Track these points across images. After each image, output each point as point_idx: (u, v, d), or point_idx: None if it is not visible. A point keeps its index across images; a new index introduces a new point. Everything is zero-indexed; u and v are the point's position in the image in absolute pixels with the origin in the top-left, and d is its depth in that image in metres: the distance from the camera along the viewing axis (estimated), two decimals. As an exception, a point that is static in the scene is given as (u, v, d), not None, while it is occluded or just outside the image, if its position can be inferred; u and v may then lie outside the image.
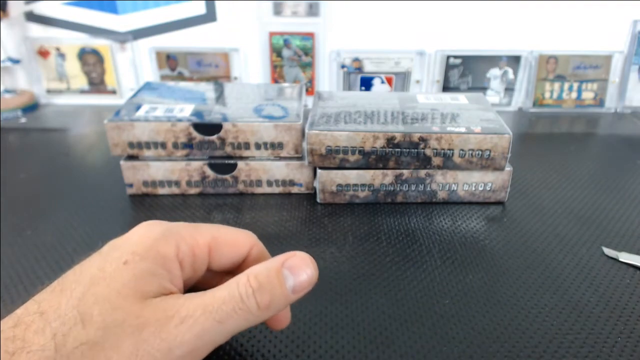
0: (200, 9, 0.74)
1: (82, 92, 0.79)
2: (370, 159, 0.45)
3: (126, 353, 0.20)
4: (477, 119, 0.47)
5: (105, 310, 0.21)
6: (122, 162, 0.48)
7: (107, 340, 0.20)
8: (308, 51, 0.75)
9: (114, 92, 0.79)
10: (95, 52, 0.77)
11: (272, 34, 0.74)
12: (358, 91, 0.76)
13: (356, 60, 0.75)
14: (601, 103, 0.78)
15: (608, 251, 0.40)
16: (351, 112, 0.48)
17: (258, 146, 0.47)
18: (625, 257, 0.39)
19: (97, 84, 0.78)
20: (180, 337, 0.21)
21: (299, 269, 0.24)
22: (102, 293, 0.21)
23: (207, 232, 0.26)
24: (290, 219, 0.45)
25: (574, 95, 0.78)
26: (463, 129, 0.45)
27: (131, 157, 0.48)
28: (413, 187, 0.47)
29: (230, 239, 0.27)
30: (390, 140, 0.44)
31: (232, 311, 0.22)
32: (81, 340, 0.20)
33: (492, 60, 0.76)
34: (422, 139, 0.44)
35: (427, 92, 0.65)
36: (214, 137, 0.46)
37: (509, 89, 0.77)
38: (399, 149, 0.44)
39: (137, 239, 0.24)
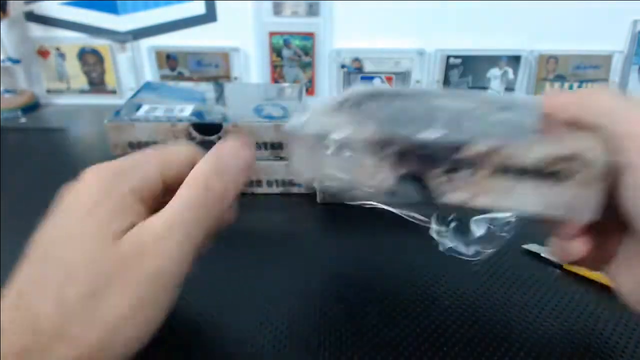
0: (200, 9, 0.74)
1: (82, 92, 0.79)
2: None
3: (125, 294, 0.21)
4: None
5: (88, 265, 0.22)
6: (122, 162, 0.48)
7: (100, 291, 0.21)
8: (308, 51, 0.75)
9: (114, 92, 0.79)
10: (95, 52, 0.77)
11: (272, 34, 0.74)
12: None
13: (356, 60, 0.75)
14: (601, 103, 0.78)
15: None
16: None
17: (258, 146, 0.47)
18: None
19: (97, 84, 0.78)
20: (161, 258, 0.22)
21: (234, 153, 0.27)
22: (79, 250, 0.22)
23: (154, 160, 0.26)
24: (290, 219, 0.45)
25: (574, 95, 0.78)
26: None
27: (131, 157, 0.48)
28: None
29: (176, 159, 0.27)
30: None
31: (195, 213, 0.24)
32: (79, 294, 0.21)
33: (492, 60, 0.76)
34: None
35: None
36: (214, 137, 0.46)
37: (509, 89, 0.77)
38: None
39: (89, 188, 0.24)
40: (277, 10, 0.73)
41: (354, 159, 0.26)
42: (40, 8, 0.74)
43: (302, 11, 0.73)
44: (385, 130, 0.25)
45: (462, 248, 0.26)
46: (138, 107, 0.49)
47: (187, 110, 0.48)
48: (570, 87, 0.77)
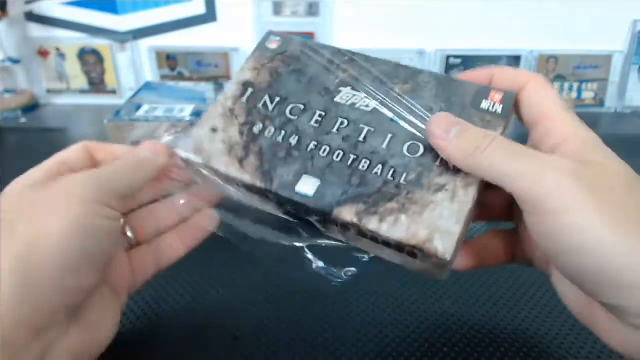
0: (200, 9, 0.75)
1: (82, 92, 0.79)
2: None
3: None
4: None
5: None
6: (122, 162, 0.48)
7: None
8: (308, 51, 0.75)
9: (114, 92, 0.79)
10: (95, 52, 0.77)
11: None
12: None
13: (356, 60, 0.75)
14: (601, 103, 0.78)
15: None
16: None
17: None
18: None
19: (97, 84, 0.79)
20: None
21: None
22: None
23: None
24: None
25: (574, 95, 0.78)
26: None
27: (131, 157, 0.48)
28: None
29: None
30: None
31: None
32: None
33: (492, 60, 0.76)
34: None
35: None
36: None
37: (509, 89, 0.77)
38: None
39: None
40: (277, 10, 0.73)
41: (241, 188, 0.27)
42: (40, 8, 0.74)
43: (302, 11, 0.73)
44: (261, 178, 0.26)
45: (332, 269, 0.27)
46: (138, 107, 0.49)
47: (187, 110, 0.48)
48: (570, 87, 0.77)
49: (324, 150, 0.27)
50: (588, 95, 0.78)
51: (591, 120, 0.74)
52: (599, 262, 0.19)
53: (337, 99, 0.28)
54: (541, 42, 0.75)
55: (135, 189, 0.26)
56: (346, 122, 0.27)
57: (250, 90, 0.29)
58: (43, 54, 0.76)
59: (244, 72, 0.30)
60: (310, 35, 0.74)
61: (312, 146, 0.27)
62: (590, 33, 0.74)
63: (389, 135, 0.26)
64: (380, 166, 0.26)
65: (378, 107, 0.28)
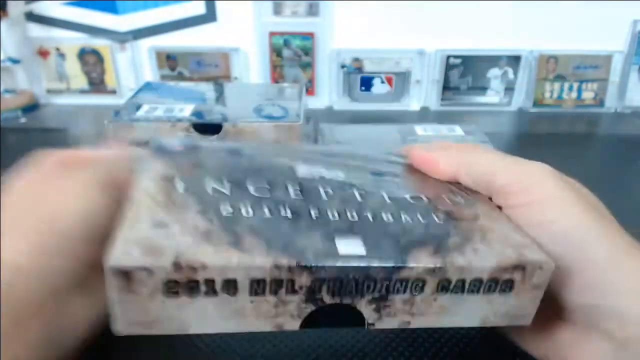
0: (200, 9, 0.75)
1: (82, 92, 0.79)
2: None
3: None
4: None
5: None
6: (122, 162, 0.47)
7: None
8: (308, 51, 0.75)
9: (114, 92, 0.79)
10: (95, 52, 0.77)
11: (272, 34, 0.75)
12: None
13: (356, 60, 0.75)
14: (601, 103, 0.78)
15: None
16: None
17: (258, 146, 0.47)
18: None
19: (97, 84, 0.78)
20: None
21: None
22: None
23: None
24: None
25: (574, 95, 0.78)
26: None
27: (131, 157, 0.48)
28: None
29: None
30: None
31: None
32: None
33: (492, 60, 0.76)
34: None
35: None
36: (214, 138, 0.46)
37: (509, 89, 0.77)
38: None
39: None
40: (277, 10, 0.73)
41: (230, 301, 0.18)
42: (40, 8, 0.74)
43: (302, 11, 0.73)
44: (283, 254, 0.18)
45: None
46: (138, 107, 0.49)
47: (187, 110, 0.48)
48: (570, 87, 0.77)
49: (333, 215, 0.21)
50: (588, 95, 0.78)
51: (591, 120, 0.74)
52: (584, 250, 0.21)
53: (300, 175, 0.24)
54: (541, 42, 0.75)
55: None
56: (330, 190, 0.23)
57: (180, 182, 0.23)
58: (43, 54, 0.76)
59: (150, 173, 0.24)
60: (310, 35, 0.74)
61: (314, 215, 0.21)
62: (590, 33, 0.74)
63: (383, 193, 0.24)
64: (404, 216, 0.22)
65: (349, 174, 0.25)
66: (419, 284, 0.19)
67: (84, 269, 0.22)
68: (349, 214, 0.22)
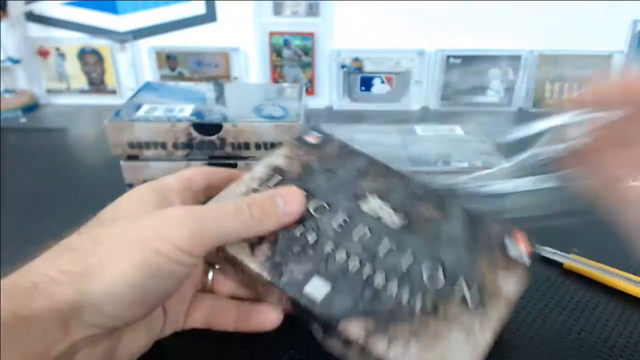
0: (200, 9, 0.74)
1: (82, 92, 0.79)
2: None
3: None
4: None
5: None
6: (122, 163, 0.48)
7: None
8: (308, 51, 0.75)
9: (114, 92, 0.79)
10: (95, 52, 0.77)
11: (272, 34, 0.75)
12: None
13: (356, 60, 0.75)
14: (601, 103, 0.78)
15: None
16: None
17: (258, 146, 0.47)
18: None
19: (97, 84, 0.78)
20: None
21: (288, 198, 0.27)
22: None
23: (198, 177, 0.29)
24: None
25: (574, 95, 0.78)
26: None
27: (131, 158, 0.48)
28: None
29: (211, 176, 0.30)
30: None
31: (231, 215, 0.25)
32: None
33: (492, 60, 0.76)
34: None
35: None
36: (214, 137, 0.46)
37: (509, 89, 0.77)
38: None
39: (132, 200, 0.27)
40: (277, 10, 0.73)
41: (248, 275, 0.26)
42: (40, 8, 0.74)
43: (302, 11, 0.73)
44: (270, 270, 0.25)
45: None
46: (138, 107, 0.49)
47: (187, 110, 0.48)
48: (570, 88, 0.77)
49: (341, 256, 0.25)
50: (588, 95, 0.78)
51: (591, 120, 0.74)
52: None
53: (363, 208, 0.28)
54: (541, 42, 0.75)
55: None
56: (369, 234, 0.26)
57: (278, 177, 0.29)
58: (43, 54, 0.76)
59: (276, 157, 0.30)
60: (310, 36, 0.74)
61: (329, 249, 0.26)
62: (590, 33, 0.74)
63: (411, 260, 0.26)
64: (396, 288, 0.24)
65: (404, 227, 0.27)
66: (348, 342, 0.23)
67: (109, 322, 0.23)
68: (351, 264, 0.25)
